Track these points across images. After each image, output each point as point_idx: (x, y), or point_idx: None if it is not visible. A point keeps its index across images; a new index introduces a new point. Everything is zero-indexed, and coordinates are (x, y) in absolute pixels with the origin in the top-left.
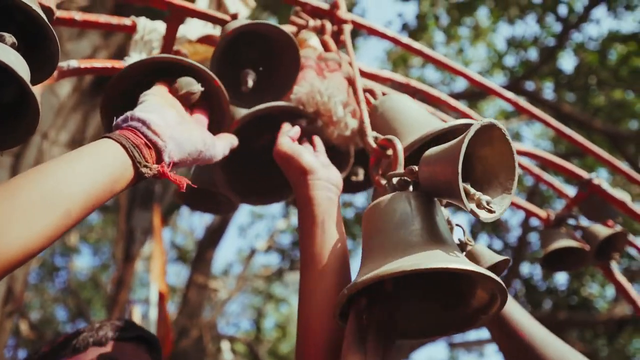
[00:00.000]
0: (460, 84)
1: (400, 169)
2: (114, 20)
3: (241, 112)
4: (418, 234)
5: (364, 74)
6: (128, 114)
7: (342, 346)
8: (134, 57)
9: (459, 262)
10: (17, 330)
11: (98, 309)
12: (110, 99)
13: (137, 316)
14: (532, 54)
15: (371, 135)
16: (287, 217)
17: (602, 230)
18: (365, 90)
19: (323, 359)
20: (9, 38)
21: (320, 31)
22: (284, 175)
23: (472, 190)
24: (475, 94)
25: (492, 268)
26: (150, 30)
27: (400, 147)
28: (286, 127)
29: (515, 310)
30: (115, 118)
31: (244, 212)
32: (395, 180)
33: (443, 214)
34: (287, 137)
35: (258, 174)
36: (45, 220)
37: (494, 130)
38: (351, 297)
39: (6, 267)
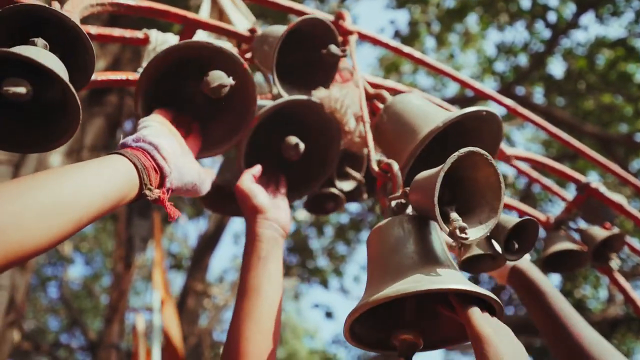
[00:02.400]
0: (451, 90)
1: (399, 192)
2: (127, 33)
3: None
4: (411, 257)
5: (369, 84)
6: (138, 134)
7: None
8: None
9: (445, 282)
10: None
11: (91, 318)
12: (144, 84)
13: (141, 324)
14: (522, 60)
15: (374, 159)
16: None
17: (600, 233)
18: (373, 96)
19: None
20: (40, 41)
21: None
22: (304, 173)
23: (453, 216)
24: (467, 99)
25: (519, 230)
26: (161, 42)
27: (397, 171)
28: (253, 168)
29: (554, 295)
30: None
31: (238, 220)
32: (393, 203)
33: (439, 234)
34: (249, 175)
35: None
36: (61, 225)
37: (475, 156)
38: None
39: (16, 261)
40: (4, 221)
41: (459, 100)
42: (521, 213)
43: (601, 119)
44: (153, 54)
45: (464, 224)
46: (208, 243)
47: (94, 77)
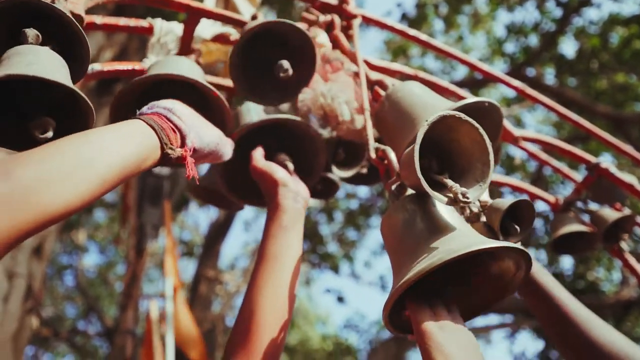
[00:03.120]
0: (460, 73)
1: (395, 176)
2: (132, 22)
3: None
4: (423, 234)
5: (373, 68)
6: (152, 103)
7: (277, 340)
8: (152, 59)
9: (471, 244)
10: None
11: (107, 305)
12: (119, 107)
13: (154, 311)
14: (533, 40)
15: (373, 148)
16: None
17: (610, 214)
18: (374, 82)
19: (264, 346)
20: (31, 32)
21: (329, 26)
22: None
23: (449, 183)
24: (476, 82)
25: (516, 212)
26: (166, 32)
27: (393, 157)
28: (258, 149)
29: (554, 286)
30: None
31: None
32: (393, 187)
33: (441, 205)
34: (259, 154)
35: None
36: (85, 184)
37: (447, 119)
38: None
39: (49, 221)
40: (33, 184)
41: (468, 83)
42: (530, 195)
43: (614, 98)
44: (157, 45)
45: (463, 188)
46: (219, 230)
47: (100, 67)
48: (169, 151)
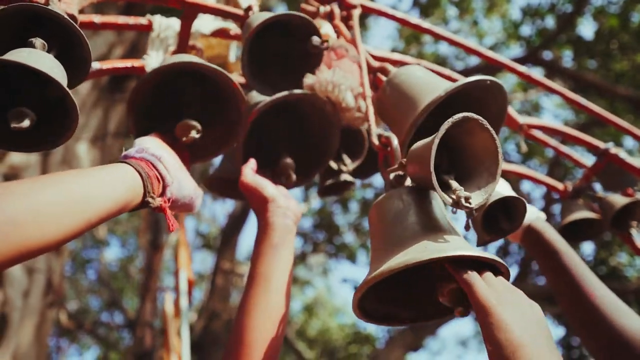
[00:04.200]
0: (475, 58)
1: (397, 164)
2: (131, 20)
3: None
4: (412, 228)
5: (375, 58)
6: (140, 146)
7: (271, 356)
8: (152, 55)
9: (448, 249)
10: (57, 320)
11: (130, 297)
12: (136, 101)
13: (169, 304)
14: (549, 22)
15: (375, 133)
16: (307, 201)
17: (619, 200)
18: (376, 70)
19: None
20: (38, 41)
21: (329, 17)
22: (302, 161)
23: (454, 185)
24: (491, 67)
25: (509, 207)
26: (165, 28)
27: (396, 144)
28: (250, 162)
29: (572, 257)
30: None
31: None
32: (392, 176)
33: (439, 202)
34: (249, 169)
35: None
36: (72, 223)
37: (470, 121)
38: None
39: (31, 254)
40: (23, 216)
41: (483, 69)
42: (538, 182)
43: (635, 80)
44: (157, 41)
45: (467, 193)
46: (236, 222)
47: (99, 66)
48: (150, 199)
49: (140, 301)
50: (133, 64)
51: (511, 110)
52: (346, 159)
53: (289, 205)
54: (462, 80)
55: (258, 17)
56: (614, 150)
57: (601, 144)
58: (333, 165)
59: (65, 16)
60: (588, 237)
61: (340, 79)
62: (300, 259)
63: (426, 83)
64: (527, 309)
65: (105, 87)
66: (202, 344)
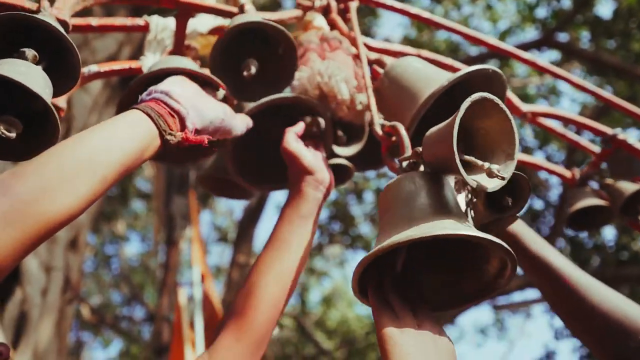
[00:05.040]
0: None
1: (408, 152)
2: (128, 21)
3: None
4: (423, 209)
5: (374, 50)
6: (151, 88)
7: (270, 320)
8: (149, 57)
9: (458, 228)
10: (80, 314)
11: (150, 292)
12: (127, 103)
13: (183, 298)
14: (565, 3)
15: (378, 123)
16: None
17: (628, 187)
18: (373, 62)
19: (259, 326)
20: (29, 52)
21: (326, 10)
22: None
23: (480, 162)
24: (505, 52)
25: (514, 190)
26: (162, 28)
27: (404, 132)
28: (295, 126)
29: (552, 254)
30: None
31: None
32: (405, 164)
33: (452, 189)
34: (293, 134)
35: (270, 161)
36: (86, 185)
37: (486, 102)
38: (366, 274)
39: (54, 228)
40: (32, 195)
41: (497, 55)
42: (545, 170)
43: None
44: (154, 42)
45: (497, 165)
46: (252, 215)
47: (97, 68)
48: (169, 137)
49: (158, 296)
50: (130, 65)
51: (514, 98)
52: (342, 147)
53: (324, 178)
54: (465, 69)
55: (234, 21)
56: (622, 136)
57: (609, 130)
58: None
59: (56, 24)
60: (597, 225)
61: (335, 70)
62: (317, 250)
63: (426, 74)
64: (432, 341)
65: (116, 85)
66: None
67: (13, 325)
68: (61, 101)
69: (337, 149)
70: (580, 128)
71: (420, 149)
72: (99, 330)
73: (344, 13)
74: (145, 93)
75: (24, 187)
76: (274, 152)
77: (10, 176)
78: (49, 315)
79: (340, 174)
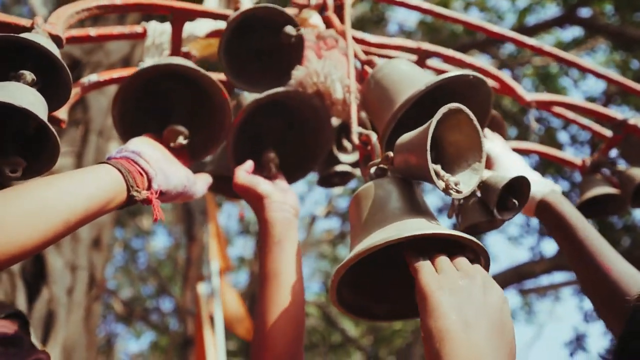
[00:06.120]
0: (508, 22)
1: (379, 158)
2: (126, 29)
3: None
4: (394, 212)
5: (372, 45)
6: (121, 147)
7: (294, 352)
8: (148, 63)
9: (430, 228)
10: (112, 307)
11: (178, 284)
12: (121, 104)
13: (202, 291)
14: None
15: (355, 132)
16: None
17: (639, 173)
18: (364, 63)
19: (289, 350)
20: (29, 75)
21: (322, 8)
22: (298, 153)
23: (442, 172)
24: (526, 30)
25: (515, 191)
26: (160, 33)
27: (375, 141)
28: (244, 164)
29: (594, 236)
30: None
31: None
32: (373, 170)
33: (421, 194)
34: (243, 170)
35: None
36: (45, 224)
37: (460, 113)
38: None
39: (6, 262)
40: None
41: (517, 32)
42: (554, 159)
43: None
44: (153, 48)
45: (456, 179)
46: None
47: (97, 78)
48: (135, 193)
49: (182, 289)
50: (130, 73)
51: (518, 88)
52: (342, 153)
53: (286, 200)
54: (443, 75)
55: (232, 18)
56: (633, 120)
57: (619, 116)
58: (334, 155)
59: (46, 43)
60: (608, 213)
61: (331, 70)
62: (340, 238)
63: (409, 77)
64: (478, 295)
65: None
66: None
67: (41, 324)
68: (62, 113)
69: (341, 157)
70: (587, 115)
71: (392, 154)
72: (131, 322)
73: (340, 10)
74: (115, 151)
75: None
76: (275, 148)
77: None
78: (76, 313)
79: (343, 178)
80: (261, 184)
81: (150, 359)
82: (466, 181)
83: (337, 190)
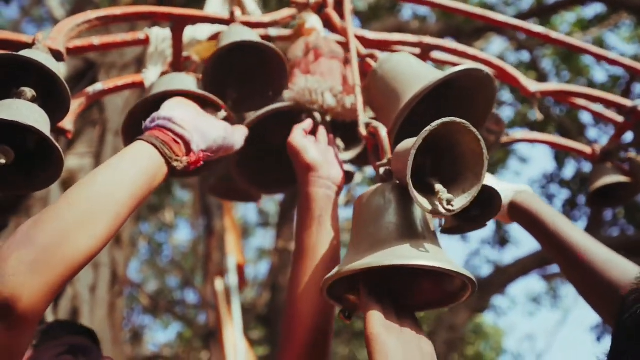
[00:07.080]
0: (527, 1)
1: (387, 157)
2: (129, 36)
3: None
4: (388, 228)
5: (372, 42)
6: (153, 115)
7: (324, 327)
8: (151, 69)
9: (415, 257)
10: (138, 300)
11: (201, 277)
12: (130, 125)
13: (219, 286)
14: None
15: (363, 123)
16: (362, 171)
17: None
18: (366, 56)
19: (310, 339)
20: (29, 92)
21: (322, 6)
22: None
23: (437, 188)
24: (546, 9)
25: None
26: (162, 39)
27: (384, 135)
28: (303, 123)
29: (565, 225)
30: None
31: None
32: (381, 170)
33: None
34: (300, 130)
35: (275, 165)
36: (102, 225)
37: (454, 125)
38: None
39: (78, 269)
40: (53, 242)
41: (536, 12)
42: (564, 148)
43: None
44: (156, 54)
45: (451, 196)
46: (293, 200)
47: (102, 87)
48: (175, 164)
49: (203, 282)
50: (134, 80)
51: (523, 79)
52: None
53: (331, 175)
54: (452, 69)
55: (222, 39)
56: None
57: (628, 102)
58: None
59: (45, 60)
60: (620, 202)
61: (314, 84)
62: None
63: (415, 72)
64: (415, 342)
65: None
66: (270, 319)
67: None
68: (67, 124)
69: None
70: (594, 102)
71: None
72: (158, 314)
73: (340, 6)
74: (148, 120)
75: (44, 236)
76: (277, 158)
77: (30, 226)
78: (100, 309)
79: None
80: (311, 152)
81: (177, 348)
82: (466, 194)
83: (356, 179)
